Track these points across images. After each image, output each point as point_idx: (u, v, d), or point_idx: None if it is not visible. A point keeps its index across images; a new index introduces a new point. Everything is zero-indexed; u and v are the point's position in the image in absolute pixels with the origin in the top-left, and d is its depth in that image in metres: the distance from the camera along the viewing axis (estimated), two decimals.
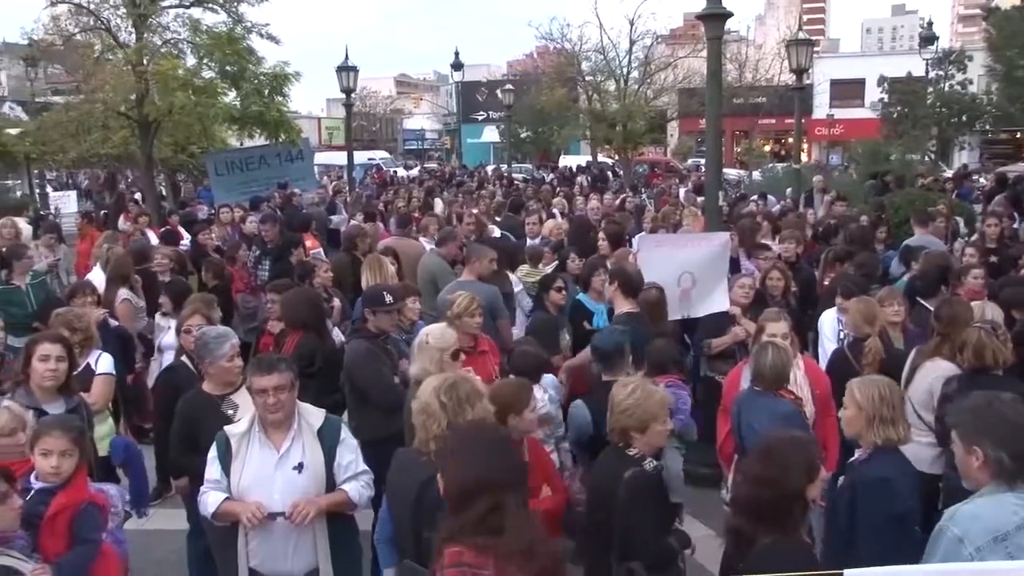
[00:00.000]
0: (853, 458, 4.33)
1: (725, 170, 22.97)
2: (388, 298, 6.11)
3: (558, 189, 21.87)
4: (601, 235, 9.83)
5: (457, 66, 34.56)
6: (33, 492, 3.91)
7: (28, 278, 9.24)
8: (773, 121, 40.12)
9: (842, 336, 6.82)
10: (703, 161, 35.14)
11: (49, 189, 27.27)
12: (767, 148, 49.29)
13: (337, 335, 7.22)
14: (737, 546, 3.52)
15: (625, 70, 32.06)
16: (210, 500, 4.21)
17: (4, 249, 9.94)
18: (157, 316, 8.13)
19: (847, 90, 48.72)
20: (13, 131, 25.01)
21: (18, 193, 20.80)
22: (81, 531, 3.97)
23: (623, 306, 6.86)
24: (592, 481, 4.54)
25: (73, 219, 18.16)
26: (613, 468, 4.24)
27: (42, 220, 14.64)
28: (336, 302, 8.24)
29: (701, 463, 7.06)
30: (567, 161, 42.92)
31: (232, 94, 18.05)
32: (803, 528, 3.61)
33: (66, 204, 21.09)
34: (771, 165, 34.88)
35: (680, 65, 33.47)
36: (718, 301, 7.65)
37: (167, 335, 7.56)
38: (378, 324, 6.06)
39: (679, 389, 5.66)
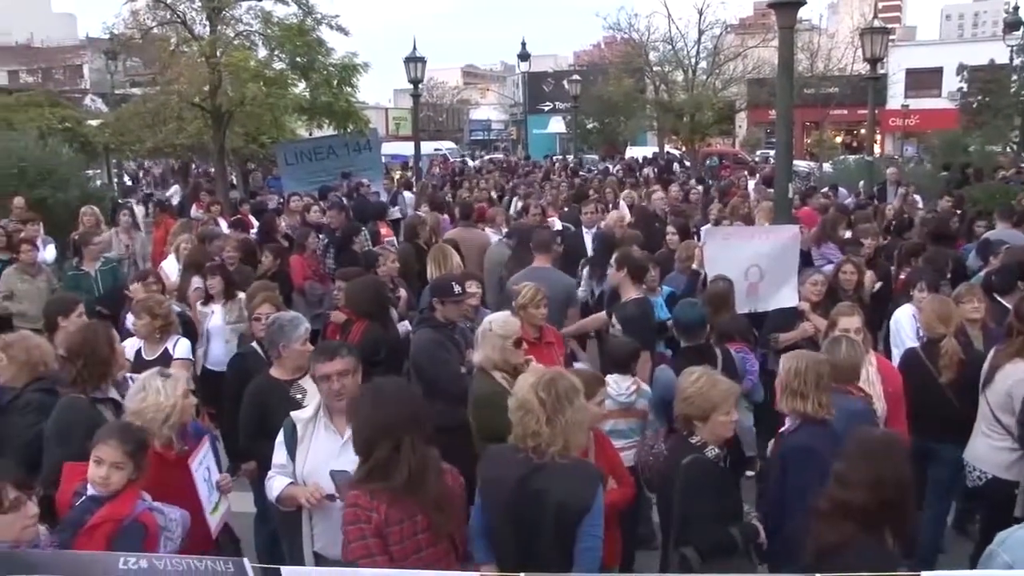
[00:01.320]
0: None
1: (795, 162, 22.53)
2: (456, 288, 6.12)
3: (625, 181, 21.69)
4: (670, 227, 9.72)
5: (524, 57, 34.57)
6: (83, 499, 3.76)
7: (98, 264, 9.53)
8: (845, 112, 39.27)
9: (921, 335, 6.53)
10: (772, 153, 34.67)
11: (126, 178, 28.12)
12: (838, 140, 48.23)
13: (403, 326, 7.28)
14: (818, 546, 3.42)
15: (693, 60, 31.74)
16: (275, 484, 4.29)
17: (75, 236, 10.28)
18: (199, 304, 8.06)
19: (923, 79, 47.28)
20: (94, 122, 25.75)
21: (98, 182, 21.39)
22: (116, 549, 3.48)
23: (630, 292, 6.95)
24: (659, 467, 4.52)
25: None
26: (675, 455, 4.26)
27: (118, 208, 15.03)
28: (402, 292, 8.30)
29: (768, 459, 6.95)
30: (633, 152, 42.59)
31: (302, 85, 18.37)
32: (903, 531, 3.45)
33: (175, 197, 21.68)
34: (842, 157, 34.13)
35: (750, 55, 33.00)
36: (787, 296, 7.50)
37: (212, 320, 7.72)
38: (446, 314, 6.07)
39: (747, 354, 6.26)
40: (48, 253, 10.59)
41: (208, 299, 7.93)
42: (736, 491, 4.46)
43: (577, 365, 6.11)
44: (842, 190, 18.21)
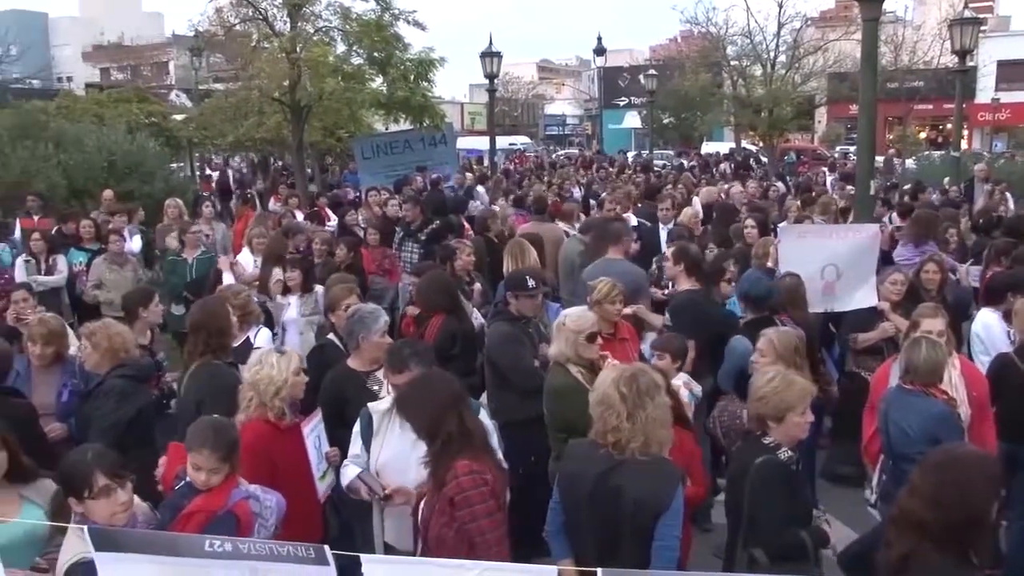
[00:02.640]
0: None
1: (876, 158, 21.93)
2: (531, 283, 6.13)
3: (700, 177, 21.43)
4: (750, 222, 9.58)
5: (599, 51, 34.34)
6: (183, 483, 3.90)
7: (197, 252, 9.84)
8: (930, 106, 38.10)
9: (1012, 339, 6.27)
10: (852, 149, 33.79)
11: (208, 171, 28.84)
12: (922, 135, 46.80)
13: (478, 319, 7.31)
14: (895, 564, 3.28)
15: (772, 54, 31.11)
16: (347, 473, 4.36)
17: (169, 227, 10.64)
18: (278, 295, 8.15)
19: (1016, 71, 45.44)
20: (178, 117, 26.51)
21: (181, 175, 22.03)
22: None
23: (684, 284, 7.02)
24: (729, 468, 4.47)
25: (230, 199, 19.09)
26: (747, 455, 4.19)
27: (200, 200, 15.46)
28: (477, 285, 8.33)
29: (844, 462, 6.81)
30: (709, 148, 42.03)
31: (379, 80, 18.57)
32: (986, 550, 3.26)
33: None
34: (927, 153, 33.11)
35: (830, 48, 32.21)
36: (865, 297, 7.30)
37: (288, 311, 7.82)
38: (520, 308, 6.08)
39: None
40: (134, 244, 10.94)
41: (286, 291, 8.04)
42: (806, 494, 4.38)
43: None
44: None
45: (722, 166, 29.93)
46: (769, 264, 8.00)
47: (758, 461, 4.05)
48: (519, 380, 5.74)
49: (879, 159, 32.95)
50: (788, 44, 31.29)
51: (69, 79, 58.42)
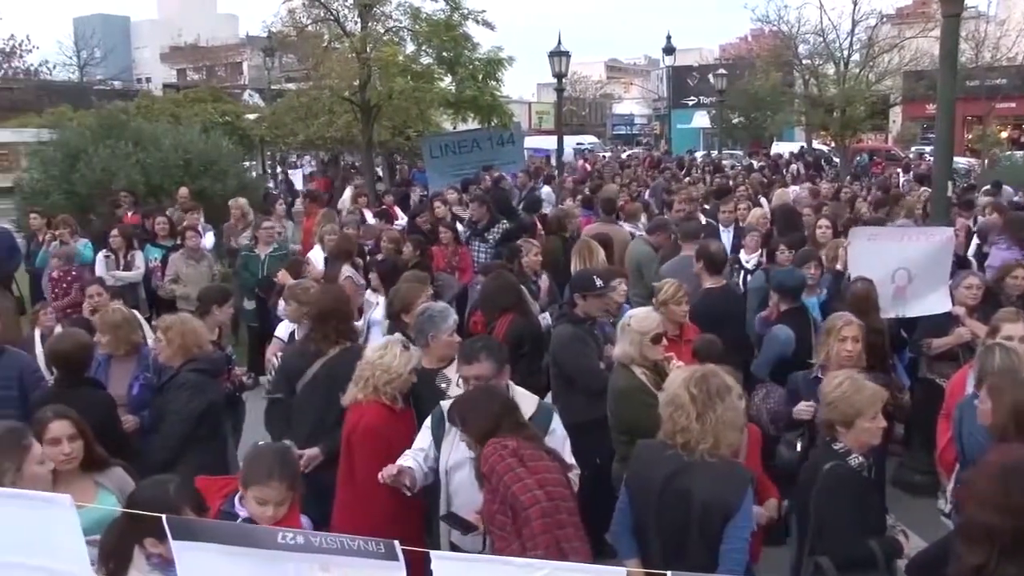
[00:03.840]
0: None
1: (955, 159, 21.29)
2: (598, 283, 6.10)
3: (771, 178, 21.09)
4: (825, 222, 9.41)
5: (669, 50, 34.04)
6: (240, 521, 3.62)
7: (270, 249, 10.03)
8: (1013, 105, 36.83)
9: None
10: (928, 149, 32.88)
11: (277, 169, 29.35)
12: (1003, 135, 45.29)
13: (544, 318, 7.30)
14: (957, 568, 3.17)
15: (846, 52, 30.38)
16: (400, 462, 4.31)
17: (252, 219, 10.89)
18: (367, 293, 8.29)
19: None
20: (251, 116, 27.03)
21: (253, 174, 22.47)
22: None
23: (707, 282, 7.11)
24: (801, 474, 4.36)
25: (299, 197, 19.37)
26: (817, 460, 4.12)
27: (268, 197, 15.79)
28: (543, 282, 8.32)
29: (917, 470, 6.65)
30: (779, 148, 41.33)
31: (448, 79, 18.68)
32: None
33: (296, 181, 22.57)
34: (1008, 153, 32.03)
35: (907, 46, 31.34)
36: (937, 302, 7.08)
37: (376, 311, 7.85)
38: (587, 309, 6.05)
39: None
40: (207, 240, 11.20)
41: (374, 289, 8.10)
42: (879, 503, 4.27)
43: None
44: (1007, 188, 17.09)
45: (792, 167, 29.41)
46: (838, 267, 7.85)
47: (826, 467, 3.98)
48: (585, 382, 5.72)
49: (964, 160, 32.18)
50: (863, 42, 30.53)
51: (148, 80, 60.16)
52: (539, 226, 11.34)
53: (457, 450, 4.24)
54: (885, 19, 32.32)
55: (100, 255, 10.41)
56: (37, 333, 7.49)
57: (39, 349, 6.89)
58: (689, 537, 3.64)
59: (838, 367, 5.11)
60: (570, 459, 4.30)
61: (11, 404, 5.65)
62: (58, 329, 7.36)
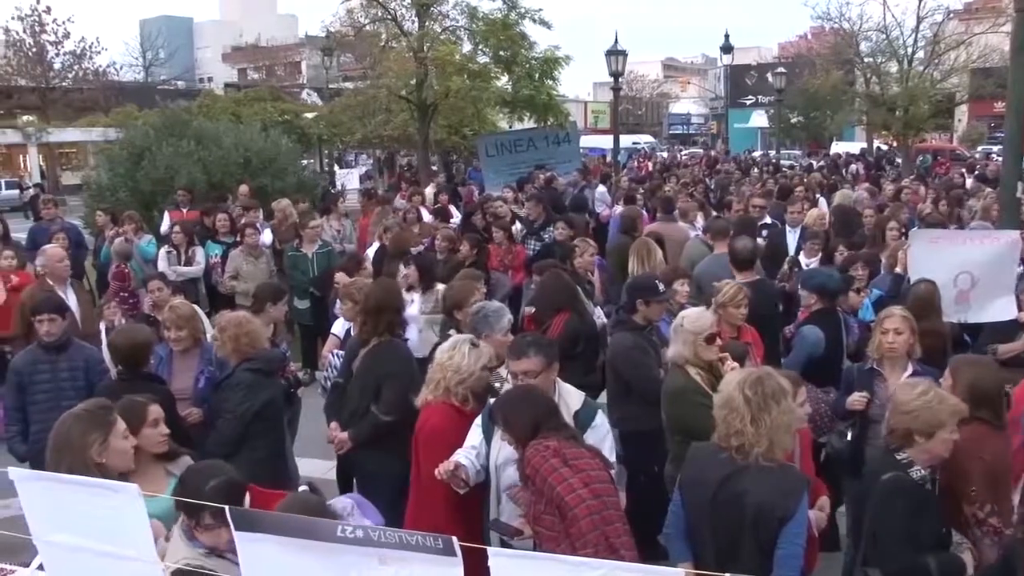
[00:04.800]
0: None
1: None
2: (661, 287, 6.00)
3: (830, 178, 20.74)
4: (894, 224, 9.24)
5: (727, 49, 33.71)
6: None
7: (316, 247, 10.15)
8: None
9: None
10: (996, 149, 32.03)
11: (336, 167, 29.72)
12: None
13: (599, 317, 7.26)
14: None
15: (910, 50, 29.76)
16: (451, 458, 4.33)
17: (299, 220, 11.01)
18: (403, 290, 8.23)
19: None
20: (309, 115, 27.42)
21: (310, 171, 22.80)
22: None
23: (737, 278, 6.97)
24: (861, 482, 4.27)
25: (356, 195, 19.60)
26: (877, 469, 4.01)
27: (326, 195, 15.98)
28: (597, 280, 8.28)
29: None
30: (839, 148, 40.67)
31: (504, 78, 18.75)
32: None
33: (350, 181, 22.82)
34: None
35: (974, 42, 30.57)
36: (1003, 309, 6.87)
37: (410, 308, 7.84)
38: (648, 315, 5.92)
39: (847, 313, 6.68)
40: (266, 236, 11.36)
41: (408, 287, 8.05)
42: (940, 518, 4.13)
43: None
44: None
45: (852, 167, 28.91)
46: (898, 269, 7.69)
47: (886, 477, 3.86)
48: (646, 392, 5.61)
49: None
50: (927, 39, 29.88)
51: (210, 79, 61.30)
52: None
53: (506, 447, 4.25)
54: (952, 15, 31.52)
55: (162, 251, 10.62)
56: (102, 326, 7.69)
57: (104, 341, 7.06)
58: (743, 541, 3.60)
59: (881, 358, 5.18)
60: (611, 456, 4.30)
61: (78, 395, 5.81)
62: (118, 322, 7.57)
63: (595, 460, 3.87)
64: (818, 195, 14.51)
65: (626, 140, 40.68)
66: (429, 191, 16.50)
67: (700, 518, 3.76)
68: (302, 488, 3.99)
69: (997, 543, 4.02)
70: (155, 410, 4.10)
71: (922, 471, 3.90)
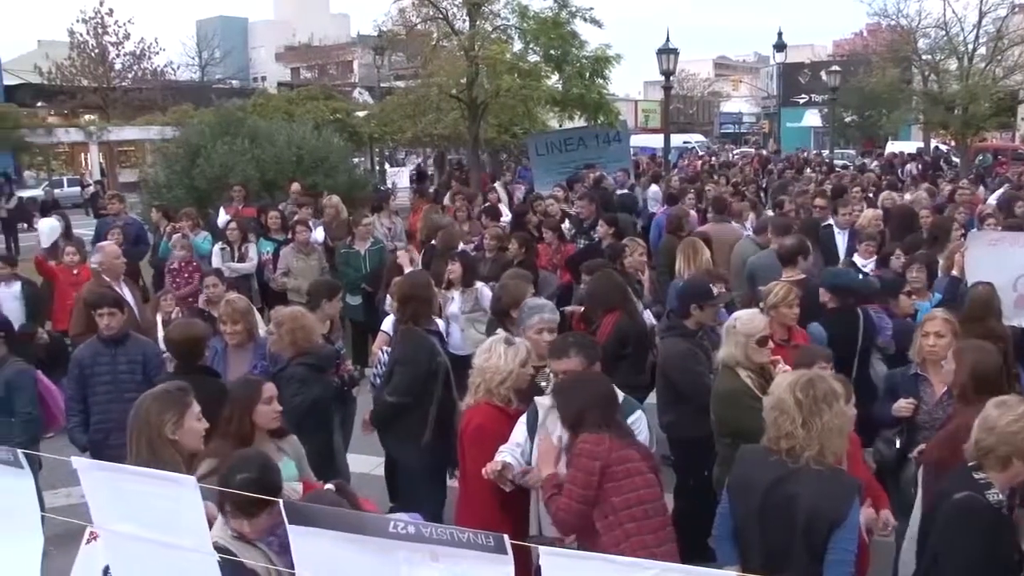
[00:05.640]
0: None
1: None
2: (715, 291, 6.00)
3: (886, 178, 20.37)
4: (956, 225, 9.07)
5: (780, 47, 33.35)
6: None
7: (368, 244, 10.26)
8: None
9: None
10: None
11: (387, 166, 29.94)
12: None
13: (649, 318, 7.23)
14: None
15: (970, 46, 29.06)
16: (496, 457, 4.35)
17: (351, 217, 11.12)
18: (442, 289, 8.17)
19: None
20: (361, 113, 27.65)
21: (361, 169, 22.99)
22: None
23: (784, 274, 7.14)
24: (933, 500, 4.13)
25: (406, 193, 19.75)
26: (950, 488, 3.76)
27: (377, 193, 16.12)
28: (646, 279, 8.24)
29: None
30: (895, 147, 39.89)
31: (555, 77, 18.71)
32: None
33: (400, 180, 23.01)
34: None
35: None
36: None
37: (451, 305, 7.88)
38: (702, 319, 5.91)
39: (881, 314, 6.75)
40: (317, 234, 11.48)
41: (449, 285, 8.07)
42: (1014, 543, 3.94)
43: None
44: None
45: (908, 167, 28.36)
46: (954, 272, 7.53)
47: (958, 496, 3.63)
48: (698, 400, 5.54)
49: None
50: (990, 35, 29.13)
51: (263, 79, 62.12)
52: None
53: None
54: (1017, 8, 30.62)
55: (216, 247, 10.79)
56: (159, 319, 7.85)
57: (160, 334, 7.21)
58: (793, 545, 3.56)
59: (923, 362, 5.14)
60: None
61: (136, 387, 5.95)
62: (175, 316, 7.72)
63: (641, 462, 3.90)
64: (872, 195, 14.25)
65: (677, 139, 40.33)
66: (500, 188, 16.56)
67: (748, 521, 3.73)
68: (328, 486, 4.06)
69: None
70: (269, 388, 4.32)
71: (999, 495, 3.63)
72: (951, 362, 4.55)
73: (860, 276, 7.62)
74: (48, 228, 10.57)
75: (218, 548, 2.66)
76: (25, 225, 23.53)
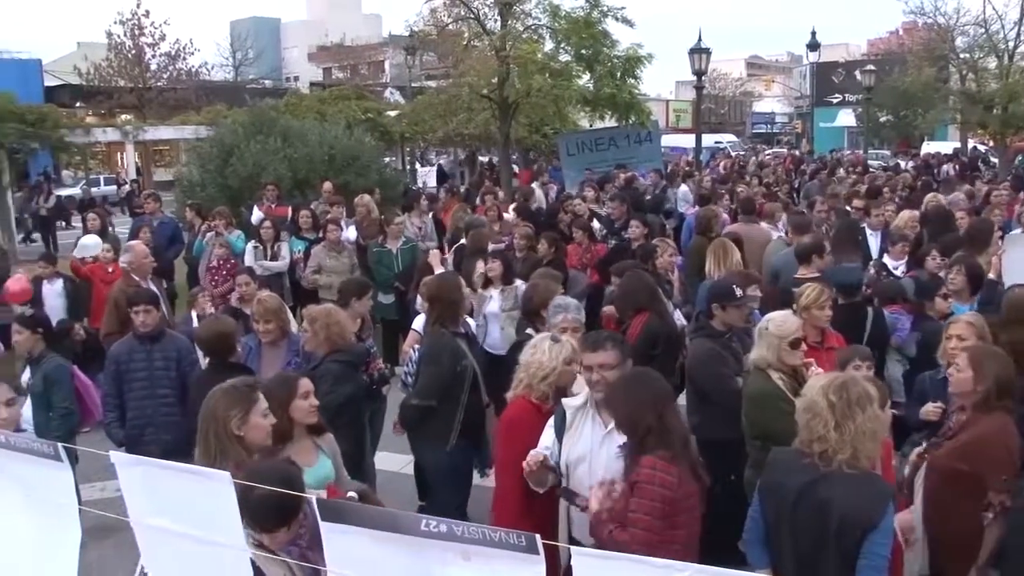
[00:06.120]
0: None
1: None
2: (738, 292, 5.88)
3: (921, 178, 20.10)
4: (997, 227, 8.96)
5: (813, 46, 32.92)
6: None
7: (400, 243, 10.31)
8: None
9: None
10: None
11: (418, 166, 30.02)
12: None
13: (679, 319, 7.20)
14: None
15: (1011, 44, 28.56)
16: (530, 462, 4.35)
17: (383, 216, 11.18)
18: (480, 288, 8.22)
19: None
20: (392, 113, 27.77)
21: (392, 169, 23.09)
22: None
23: (799, 271, 7.33)
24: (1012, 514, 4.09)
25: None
26: None
27: (408, 192, 16.19)
28: (676, 280, 8.20)
29: None
30: (931, 147, 39.35)
31: (586, 77, 18.66)
32: None
33: (431, 179, 23.08)
34: None
35: None
36: None
37: (490, 304, 7.89)
38: (726, 320, 5.84)
39: (900, 315, 6.87)
40: (349, 232, 11.55)
41: (487, 283, 8.10)
42: None
43: None
44: None
45: (945, 167, 27.97)
46: (991, 275, 7.42)
47: None
48: (723, 402, 5.53)
49: None
50: None
51: (296, 79, 62.54)
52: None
53: (578, 445, 4.26)
54: None
55: (249, 245, 10.90)
56: (194, 315, 7.94)
57: None
58: (825, 550, 3.52)
59: (947, 365, 5.02)
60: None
61: (171, 384, 6.05)
62: (210, 313, 7.80)
63: (693, 485, 3.84)
64: (905, 196, 14.07)
65: (708, 139, 40.09)
66: (537, 188, 16.57)
67: (780, 524, 3.71)
68: (350, 494, 4.10)
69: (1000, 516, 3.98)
70: (305, 383, 4.35)
71: None
72: (967, 368, 4.43)
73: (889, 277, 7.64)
74: (92, 243, 10.69)
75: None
76: (63, 223, 23.88)
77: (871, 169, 25.45)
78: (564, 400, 4.47)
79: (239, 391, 3.91)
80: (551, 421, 4.46)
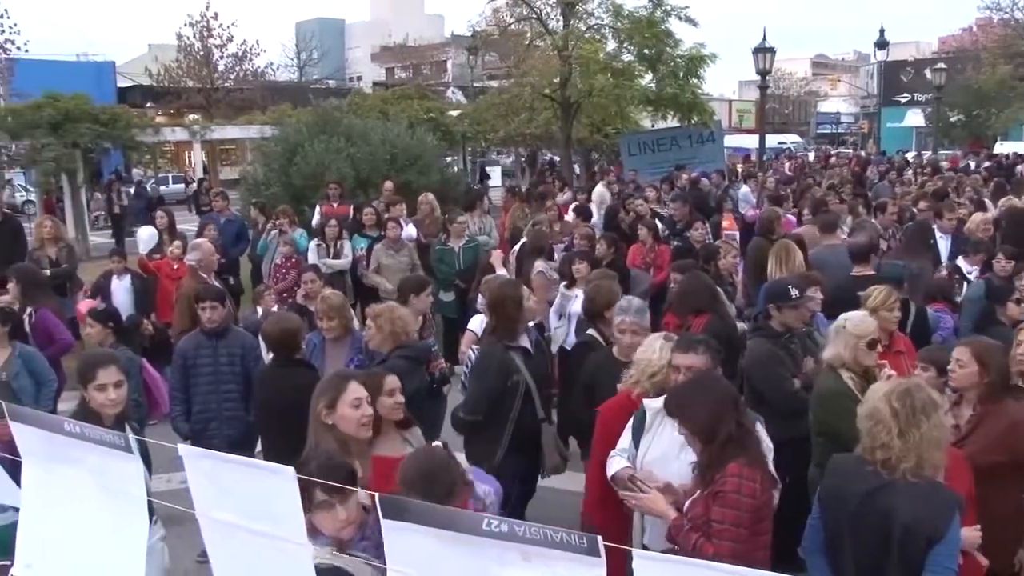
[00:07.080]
0: None
1: None
2: (793, 292, 5.78)
3: (994, 179, 19.52)
4: None
5: (881, 44, 32.26)
6: None
7: (463, 241, 10.38)
8: None
9: None
10: None
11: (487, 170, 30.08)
12: None
13: (740, 324, 7.10)
14: None
15: None
16: (613, 464, 4.33)
17: (446, 215, 11.25)
18: (562, 287, 8.20)
19: None
20: (454, 113, 27.90)
21: (455, 168, 23.19)
22: None
23: (854, 269, 7.24)
24: None
25: (498, 192, 19.85)
26: None
27: (470, 192, 16.25)
28: (739, 282, 8.10)
29: None
30: (1004, 148, 38.25)
31: (648, 76, 18.58)
32: None
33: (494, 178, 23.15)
34: None
35: None
36: None
37: (574, 304, 7.84)
38: (783, 321, 5.77)
39: (944, 313, 6.95)
40: (410, 230, 11.63)
41: (572, 283, 8.06)
42: None
43: None
44: None
45: (1020, 168, 27.13)
46: None
47: None
48: (778, 403, 5.44)
49: None
50: None
51: (359, 79, 63.26)
52: (724, 226, 11.07)
53: (654, 448, 4.22)
54: None
55: (312, 243, 11.05)
56: (260, 312, 8.08)
57: None
58: (888, 560, 3.44)
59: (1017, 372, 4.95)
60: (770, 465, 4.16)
61: (235, 379, 6.16)
62: (275, 310, 7.93)
63: (768, 495, 3.81)
64: (984, 198, 13.66)
65: (772, 140, 39.52)
66: (603, 188, 16.54)
67: (840, 533, 3.62)
68: (436, 444, 4.11)
69: None
70: (391, 380, 4.38)
71: None
72: (971, 363, 4.52)
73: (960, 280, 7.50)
74: (148, 235, 10.94)
75: (322, 570, 2.62)
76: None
77: (942, 171, 24.80)
78: (646, 401, 4.42)
79: (329, 381, 3.95)
80: (629, 422, 4.43)
